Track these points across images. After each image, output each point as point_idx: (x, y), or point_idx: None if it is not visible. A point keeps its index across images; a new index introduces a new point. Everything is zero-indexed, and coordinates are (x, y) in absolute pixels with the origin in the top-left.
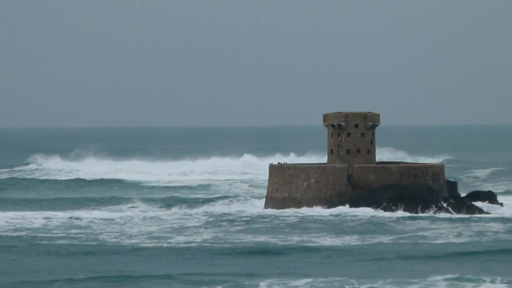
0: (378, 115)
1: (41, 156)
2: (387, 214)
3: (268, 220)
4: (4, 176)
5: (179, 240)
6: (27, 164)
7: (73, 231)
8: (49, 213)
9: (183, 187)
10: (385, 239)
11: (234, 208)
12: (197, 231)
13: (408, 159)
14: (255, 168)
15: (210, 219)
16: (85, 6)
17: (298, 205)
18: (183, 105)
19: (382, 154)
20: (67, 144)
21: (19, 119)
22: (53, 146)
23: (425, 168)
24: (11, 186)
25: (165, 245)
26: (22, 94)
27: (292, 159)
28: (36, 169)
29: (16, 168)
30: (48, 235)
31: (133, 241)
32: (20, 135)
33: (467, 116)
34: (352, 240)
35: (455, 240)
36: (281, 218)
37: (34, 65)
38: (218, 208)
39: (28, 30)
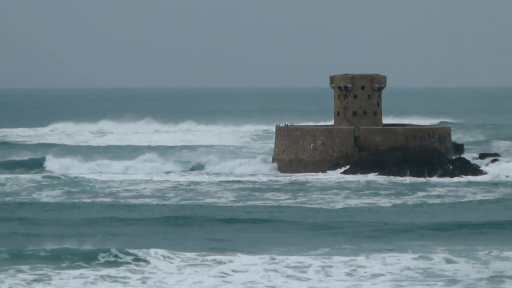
0: (385, 77)
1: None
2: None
3: None
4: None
5: None
6: None
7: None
8: None
9: None
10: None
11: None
12: None
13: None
14: None
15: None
16: None
17: (305, 167)
18: (183, 67)
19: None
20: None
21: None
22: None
23: (432, 130)
24: None
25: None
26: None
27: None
28: None
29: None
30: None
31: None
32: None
33: (476, 79)
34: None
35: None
36: None
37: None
38: None
39: None
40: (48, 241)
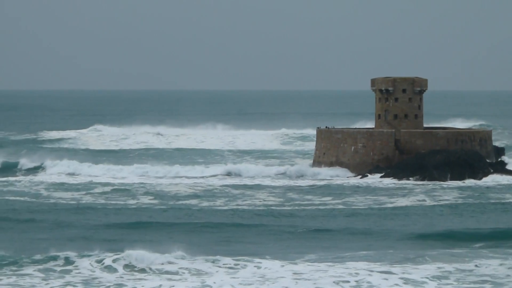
0: (426, 80)
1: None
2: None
3: None
4: None
5: None
6: None
7: None
8: None
9: None
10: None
11: None
12: None
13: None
14: None
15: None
16: None
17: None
18: (225, 68)
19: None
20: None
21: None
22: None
23: (473, 133)
24: None
25: None
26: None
27: None
28: None
29: None
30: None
31: None
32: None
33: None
34: None
35: None
36: None
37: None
38: None
39: None
40: None
